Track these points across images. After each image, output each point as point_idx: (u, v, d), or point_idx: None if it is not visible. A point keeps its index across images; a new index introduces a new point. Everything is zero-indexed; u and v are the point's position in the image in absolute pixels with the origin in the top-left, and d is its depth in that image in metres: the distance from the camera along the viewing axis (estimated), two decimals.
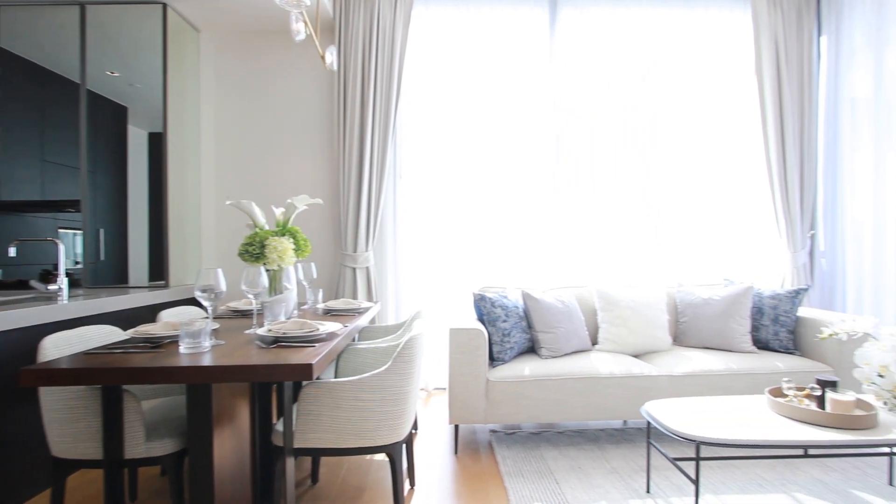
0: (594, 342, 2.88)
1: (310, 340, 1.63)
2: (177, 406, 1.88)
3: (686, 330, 2.91)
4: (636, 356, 2.76)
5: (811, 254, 3.53)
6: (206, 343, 1.53)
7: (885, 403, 1.81)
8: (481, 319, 2.67)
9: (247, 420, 1.88)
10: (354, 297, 3.34)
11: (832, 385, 1.79)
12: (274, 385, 2.34)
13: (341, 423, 1.67)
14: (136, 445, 1.57)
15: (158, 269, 3.11)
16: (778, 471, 2.17)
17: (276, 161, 3.58)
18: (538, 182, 3.53)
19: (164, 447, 1.61)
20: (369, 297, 3.38)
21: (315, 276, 2.54)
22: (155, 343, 1.62)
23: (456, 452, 2.46)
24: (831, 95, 3.45)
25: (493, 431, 2.70)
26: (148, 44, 3.04)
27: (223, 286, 1.62)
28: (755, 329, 2.79)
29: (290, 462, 1.64)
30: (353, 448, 1.70)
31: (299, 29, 2.14)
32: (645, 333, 2.76)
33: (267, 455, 1.97)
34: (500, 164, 3.54)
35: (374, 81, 3.32)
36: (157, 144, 3.09)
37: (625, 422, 2.80)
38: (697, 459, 1.64)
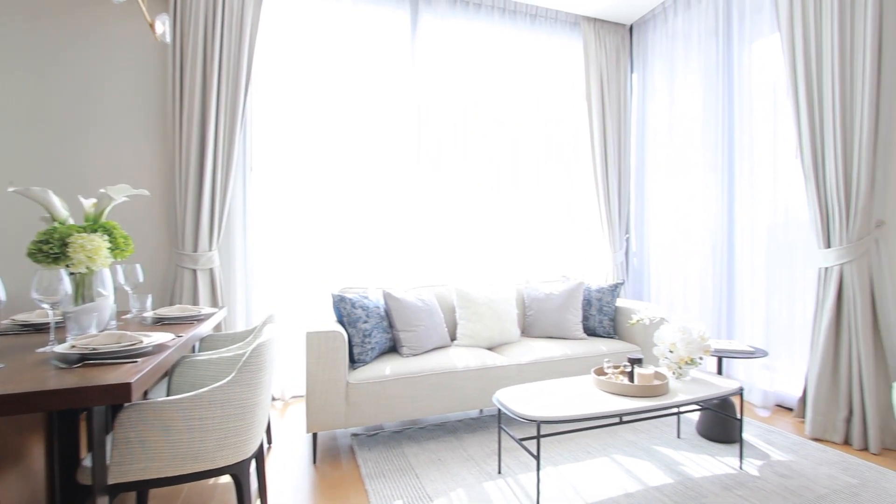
0: (453, 338, 3.02)
1: (130, 356, 1.39)
2: None
3: (532, 322, 3.23)
4: (490, 349, 2.96)
5: (627, 253, 4.23)
6: None
7: (674, 373, 2.25)
8: (341, 321, 2.58)
9: (41, 459, 1.52)
10: (195, 302, 2.95)
11: (638, 362, 2.15)
12: (82, 413, 1.94)
13: (173, 448, 1.45)
14: None
15: None
16: (601, 438, 2.54)
17: (85, 143, 2.97)
18: (400, 182, 3.57)
19: None
20: (214, 303, 3.03)
21: (141, 279, 2.17)
22: None
23: (315, 462, 2.34)
24: (640, 124, 4.18)
25: (355, 435, 2.63)
26: None
27: (1, 294, 1.28)
28: (585, 318, 3.23)
29: (103, 502, 1.36)
30: (189, 475, 1.49)
31: None
32: (498, 328, 2.98)
33: (74, 498, 1.62)
34: (361, 162, 3.48)
35: (220, 63, 2.99)
36: None
37: (481, 411, 2.99)
38: (538, 437, 1.82)
